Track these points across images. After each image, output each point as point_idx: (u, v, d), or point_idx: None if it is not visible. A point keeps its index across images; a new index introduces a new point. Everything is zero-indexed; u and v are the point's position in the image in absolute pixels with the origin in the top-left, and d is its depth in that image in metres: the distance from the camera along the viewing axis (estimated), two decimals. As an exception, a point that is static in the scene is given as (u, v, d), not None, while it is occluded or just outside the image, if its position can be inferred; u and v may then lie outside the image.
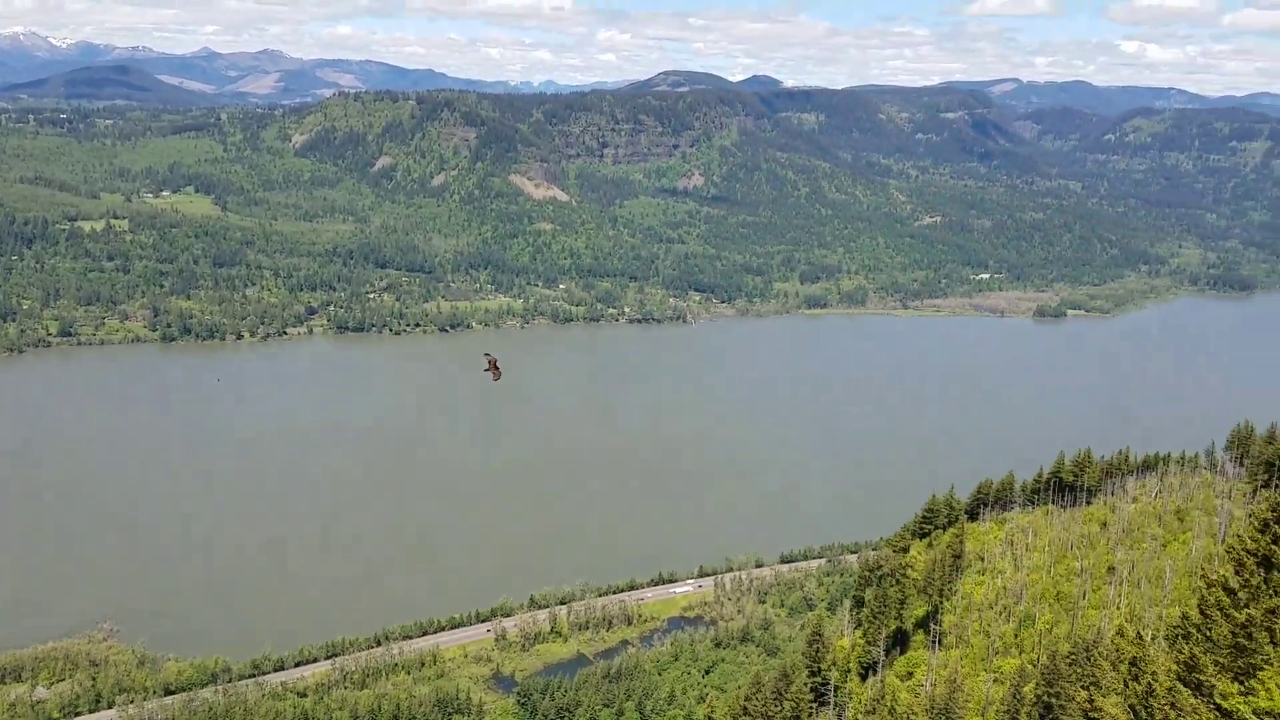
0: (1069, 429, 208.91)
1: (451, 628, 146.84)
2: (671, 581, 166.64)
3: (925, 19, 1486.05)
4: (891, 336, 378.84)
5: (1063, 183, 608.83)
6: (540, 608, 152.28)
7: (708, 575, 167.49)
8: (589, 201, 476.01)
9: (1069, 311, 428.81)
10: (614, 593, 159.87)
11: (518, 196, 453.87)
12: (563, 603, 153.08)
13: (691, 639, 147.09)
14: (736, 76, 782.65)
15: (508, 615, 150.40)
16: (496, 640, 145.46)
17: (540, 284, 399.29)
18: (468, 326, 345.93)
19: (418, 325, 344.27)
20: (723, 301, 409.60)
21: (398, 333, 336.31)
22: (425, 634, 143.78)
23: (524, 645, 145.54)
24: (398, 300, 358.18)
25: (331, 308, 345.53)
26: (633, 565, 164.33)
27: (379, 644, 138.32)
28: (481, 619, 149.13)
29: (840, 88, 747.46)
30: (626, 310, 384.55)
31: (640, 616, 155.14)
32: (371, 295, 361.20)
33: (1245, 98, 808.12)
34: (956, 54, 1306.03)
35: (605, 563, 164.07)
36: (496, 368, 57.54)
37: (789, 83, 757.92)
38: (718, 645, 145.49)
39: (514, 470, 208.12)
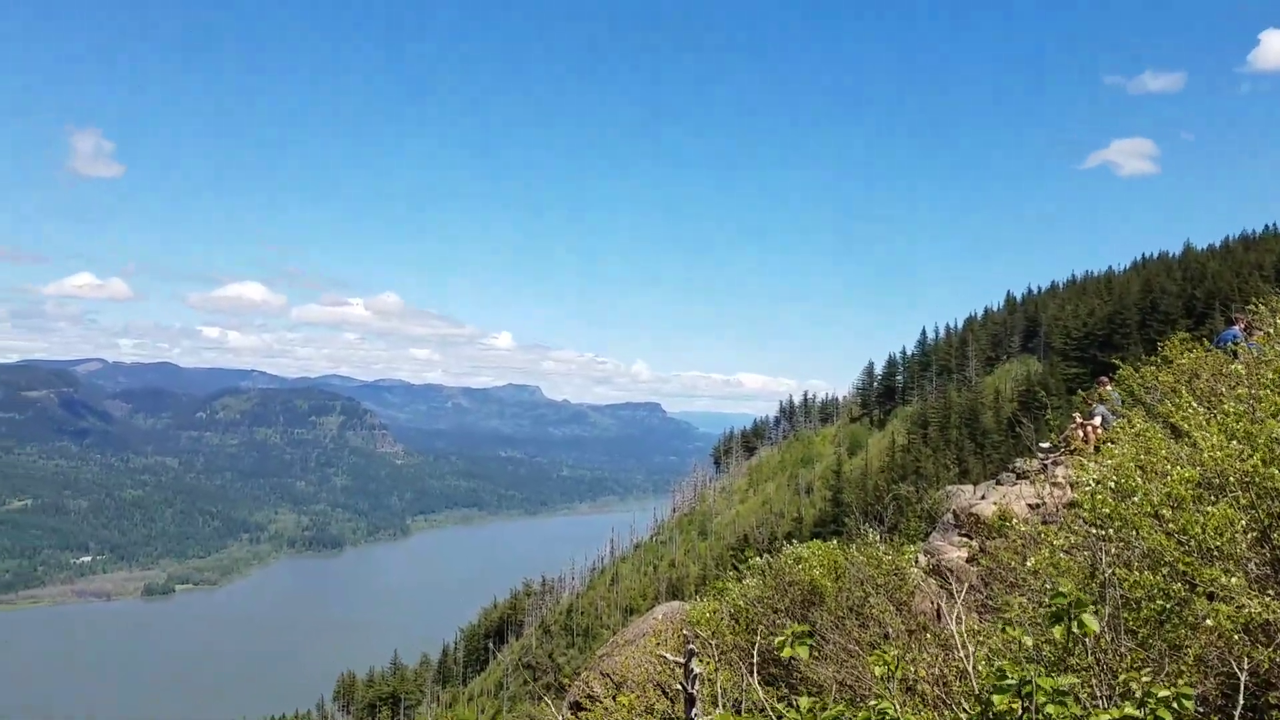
0: (184, 710, 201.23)
1: None
2: None
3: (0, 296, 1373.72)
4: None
5: (159, 459, 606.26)
6: None
7: None
8: None
9: (177, 587, 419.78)
10: None
11: None
12: None
13: None
14: None
15: None
16: None
17: None
18: None
19: None
20: None
21: None
22: None
23: None
24: None
25: None
26: None
27: None
28: None
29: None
30: None
31: None
32: None
33: (319, 378, 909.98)
34: (36, 332, 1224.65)
35: None
36: None
37: None
38: None
39: None
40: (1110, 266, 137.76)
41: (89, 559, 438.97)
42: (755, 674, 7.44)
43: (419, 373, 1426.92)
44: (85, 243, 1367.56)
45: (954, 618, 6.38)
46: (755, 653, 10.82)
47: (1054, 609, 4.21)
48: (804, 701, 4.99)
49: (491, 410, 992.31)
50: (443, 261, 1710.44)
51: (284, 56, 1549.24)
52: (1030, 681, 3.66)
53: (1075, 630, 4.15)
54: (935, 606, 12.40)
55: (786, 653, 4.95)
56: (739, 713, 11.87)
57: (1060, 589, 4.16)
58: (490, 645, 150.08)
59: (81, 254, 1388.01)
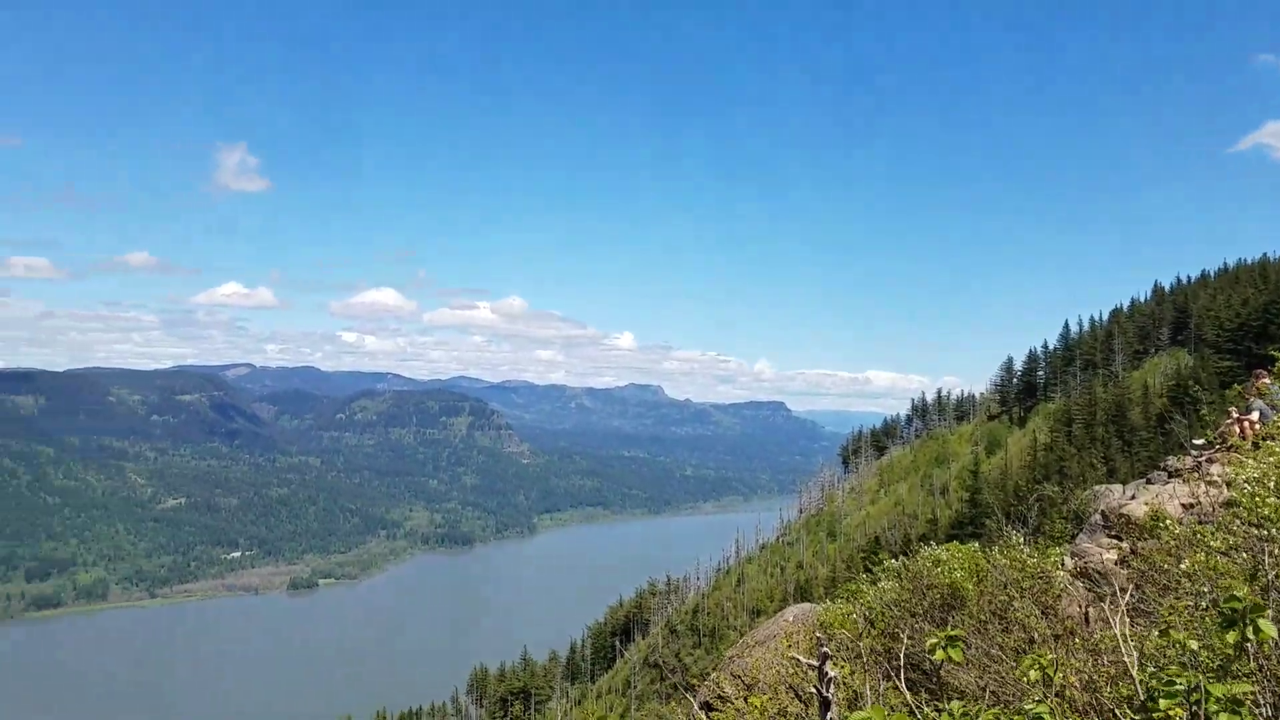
0: (326, 699, 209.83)
1: None
2: None
3: (152, 305, 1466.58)
4: (130, 635, 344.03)
5: (303, 458, 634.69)
6: None
7: None
8: None
9: (321, 581, 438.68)
10: None
11: None
12: None
13: None
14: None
15: None
16: None
17: None
18: None
19: None
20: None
21: None
22: None
23: None
24: None
25: None
26: None
27: None
28: None
29: (62, 370, 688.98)
30: None
31: None
32: None
33: (449, 380, 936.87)
34: (188, 339, 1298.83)
35: None
36: None
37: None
38: None
39: None
40: (1265, 253, 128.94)
41: (238, 554, 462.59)
42: (901, 678, 7.36)
43: (543, 373, 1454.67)
44: (233, 254, 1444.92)
45: (1116, 621, 6.19)
46: (898, 657, 10.71)
47: (1226, 614, 4.03)
48: (955, 706, 4.94)
49: (614, 410, 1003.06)
50: (565, 264, 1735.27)
51: (410, 70, 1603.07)
52: (1200, 687, 3.50)
53: (1249, 636, 4.02)
54: (1083, 610, 11.99)
55: (939, 655, 4.90)
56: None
57: (1234, 593, 3.96)
58: (617, 643, 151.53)
59: (230, 265, 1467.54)
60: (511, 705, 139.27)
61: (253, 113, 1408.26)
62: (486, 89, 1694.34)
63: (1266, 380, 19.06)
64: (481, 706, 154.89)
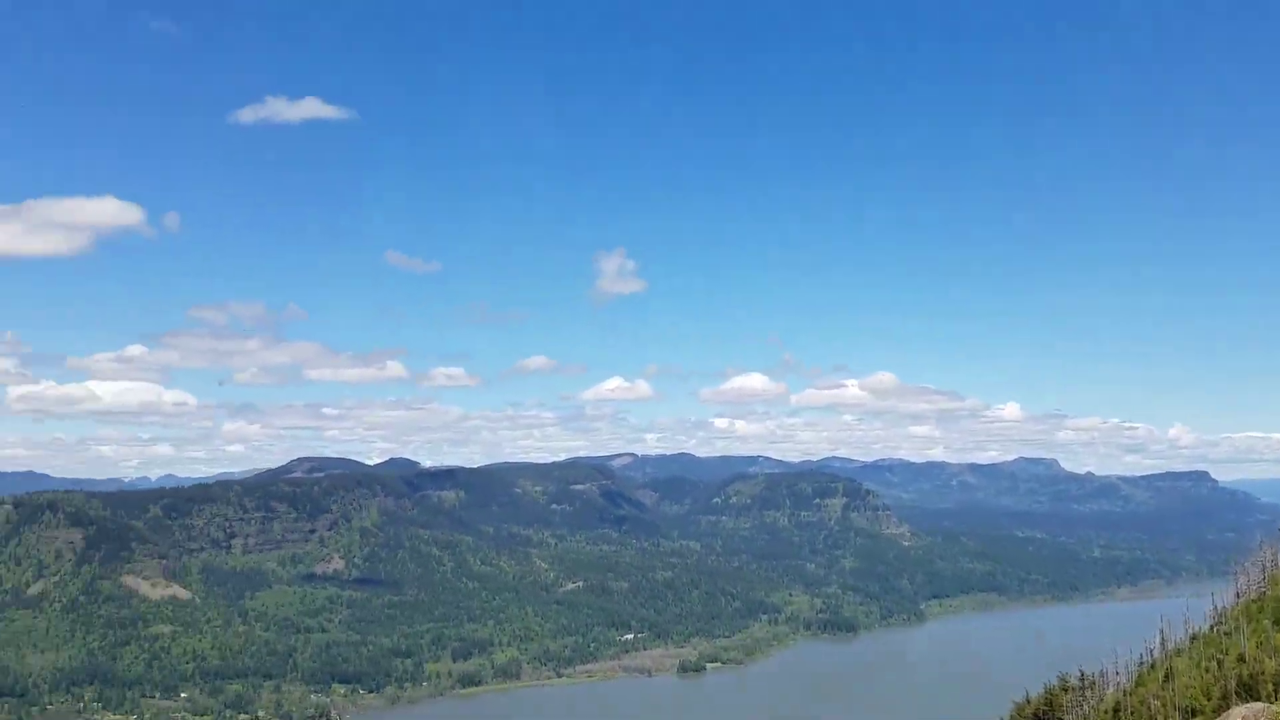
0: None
1: None
2: None
3: (550, 404, 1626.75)
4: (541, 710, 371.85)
5: (684, 543, 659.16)
6: None
7: None
8: (215, 597, 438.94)
9: (708, 665, 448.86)
10: None
11: (130, 599, 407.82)
12: None
13: None
14: (374, 460, 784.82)
15: None
16: None
17: (158, 694, 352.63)
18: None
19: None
20: (370, 691, 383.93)
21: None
22: None
23: None
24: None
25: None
26: None
27: None
28: None
29: (478, 466, 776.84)
30: (261, 714, 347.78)
31: None
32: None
33: (820, 461, 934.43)
34: (579, 433, 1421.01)
35: None
36: None
37: (427, 463, 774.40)
38: None
39: None
40: None
41: (631, 636, 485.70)
42: None
43: (920, 450, 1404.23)
44: (615, 351, 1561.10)
45: None
46: None
47: None
48: None
49: (1002, 486, 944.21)
50: (937, 335, 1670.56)
51: (765, 164, 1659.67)
52: None
53: None
54: None
55: None
56: None
57: None
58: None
59: (612, 361, 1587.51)
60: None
61: (629, 220, 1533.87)
62: (839, 173, 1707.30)
63: None
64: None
